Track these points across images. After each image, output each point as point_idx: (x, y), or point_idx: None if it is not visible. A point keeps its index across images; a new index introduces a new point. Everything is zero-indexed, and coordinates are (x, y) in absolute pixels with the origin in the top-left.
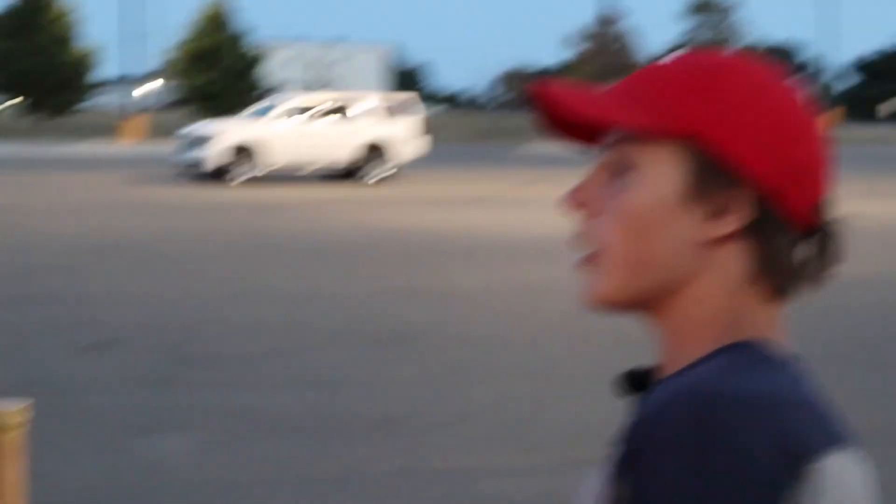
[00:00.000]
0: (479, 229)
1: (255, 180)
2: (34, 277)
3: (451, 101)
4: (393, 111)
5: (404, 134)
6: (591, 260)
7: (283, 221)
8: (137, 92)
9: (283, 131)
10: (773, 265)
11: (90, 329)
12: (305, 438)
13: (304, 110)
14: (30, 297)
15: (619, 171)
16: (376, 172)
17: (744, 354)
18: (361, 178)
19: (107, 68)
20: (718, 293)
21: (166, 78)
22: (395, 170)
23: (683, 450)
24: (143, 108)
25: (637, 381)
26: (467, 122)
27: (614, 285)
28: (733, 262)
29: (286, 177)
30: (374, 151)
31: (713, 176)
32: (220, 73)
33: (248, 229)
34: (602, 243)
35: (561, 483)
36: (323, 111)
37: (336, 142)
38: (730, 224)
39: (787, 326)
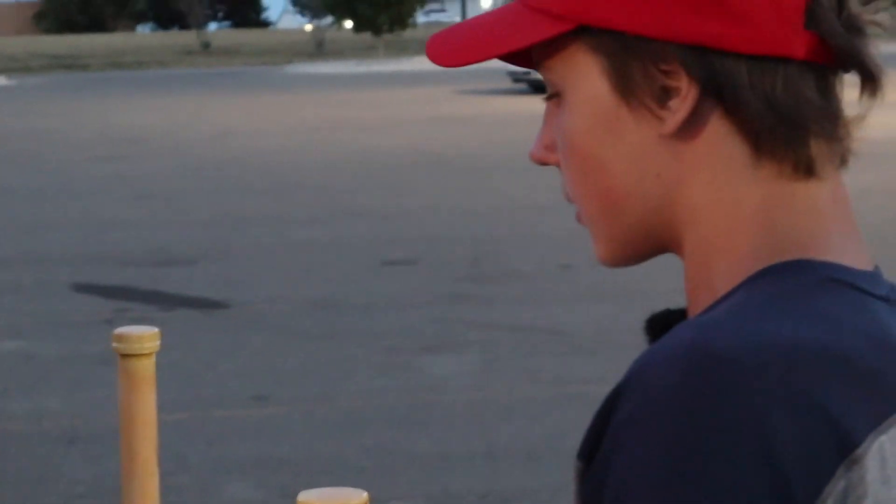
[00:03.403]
0: None
1: None
2: (348, 194)
3: None
4: None
5: None
6: (579, 219)
7: None
8: (485, 3)
9: None
10: (776, 131)
11: (393, 245)
12: (590, 356)
13: None
14: (341, 213)
15: (557, 101)
16: None
17: (775, 284)
18: None
19: None
20: (712, 200)
21: None
22: None
23: (659, 427)
24: None
25: (664, 329)
26: None
27: (608, 242)
28: (716, 149)
29: None
30: None
31: (630, 56)
32: None
33: None
34: (573, 196)
35: None
36: None
37: None
38: (682, 104)
39: (852, 217)
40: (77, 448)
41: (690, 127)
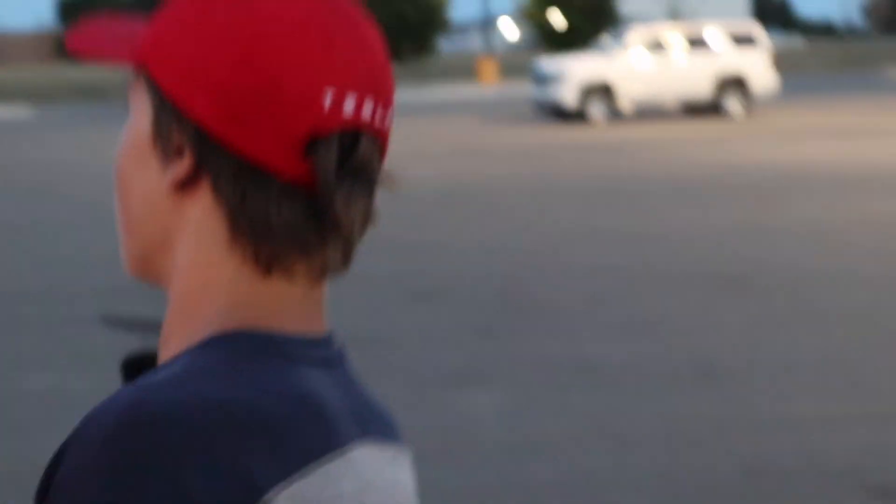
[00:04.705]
0: (839, 162)
1: (616, 119)
2: (377, 227)
3: (816, 30)
4: (738, 41)
5: (759, 65)
6: None
7: (634, 160)
8: (504, 31)
9: (634, 66)
10: (244, 224)
11: (422, 278)
12: (619, 390)
13: (654, 43)
14: (367, 246)
15: None
16: (735, 106)
17: (215, 352)
18: (719, 112)
19: (466, 9)
20: (194, 260)
21: (522, 17)
22: (753, 103)
23: (88, 484)
24: (502, 48)
25: (138, 370)
26: (828, 50)
27: (126, 254)
28: (205, 219)
29: (650, 113)
30: (732, 84)
31: (164, 108)
32: (574, 9)
33: (597, 170)
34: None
35: (887, 435)
36: (674, 43)
37: (690, 75)
38: (180, 168)
39: (322, 310)
40: None
41: (189, 190)
